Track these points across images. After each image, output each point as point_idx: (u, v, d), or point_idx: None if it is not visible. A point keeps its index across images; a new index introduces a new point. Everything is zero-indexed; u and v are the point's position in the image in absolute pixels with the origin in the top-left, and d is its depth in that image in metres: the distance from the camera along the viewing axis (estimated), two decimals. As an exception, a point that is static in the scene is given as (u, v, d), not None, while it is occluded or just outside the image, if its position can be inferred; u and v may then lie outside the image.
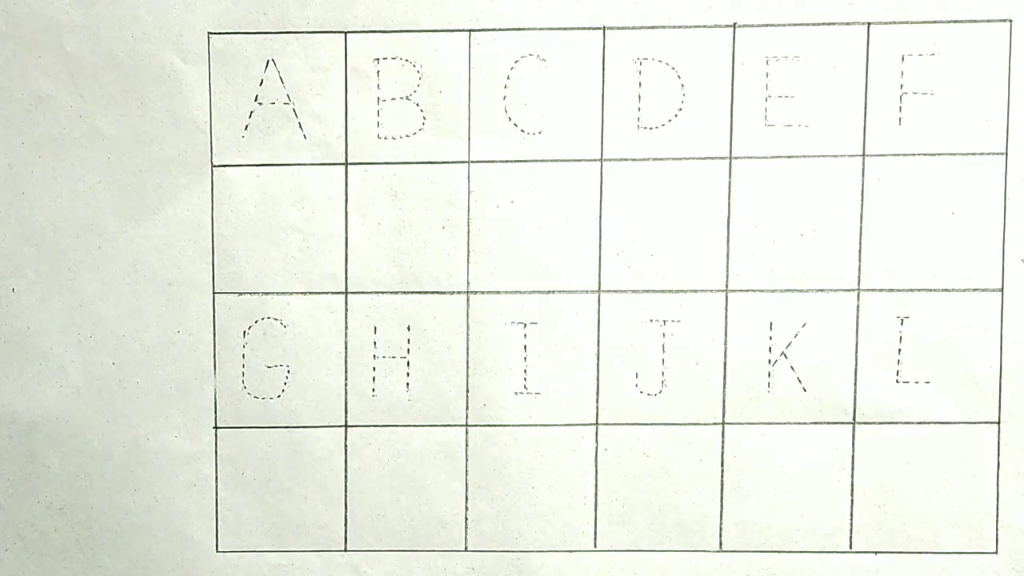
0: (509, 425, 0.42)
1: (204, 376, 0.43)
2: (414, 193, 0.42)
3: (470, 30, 0.41)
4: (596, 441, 0.42)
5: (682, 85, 0.41)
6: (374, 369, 0.42)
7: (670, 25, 0.41)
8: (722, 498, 0.42)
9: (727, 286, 0.42)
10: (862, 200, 0.41)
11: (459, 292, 0.42)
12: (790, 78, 0.41)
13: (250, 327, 0.42)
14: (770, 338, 0.42)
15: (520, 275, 0.42)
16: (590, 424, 0.42)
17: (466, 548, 0.42)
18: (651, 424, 0.42)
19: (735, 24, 0.41)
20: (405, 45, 0.41)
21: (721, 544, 0.42)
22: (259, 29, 0.42)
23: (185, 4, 0.42)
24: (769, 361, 0.42)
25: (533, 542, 0.42)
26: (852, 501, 0.42)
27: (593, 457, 0.42)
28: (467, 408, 0.42)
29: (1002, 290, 0.41)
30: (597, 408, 0.42)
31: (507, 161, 0.42)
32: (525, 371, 0.42)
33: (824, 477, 0.42)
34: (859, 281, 0.41)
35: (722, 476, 0.42)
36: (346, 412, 0.42)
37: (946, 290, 0.41)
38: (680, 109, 0.41)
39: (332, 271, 0.42)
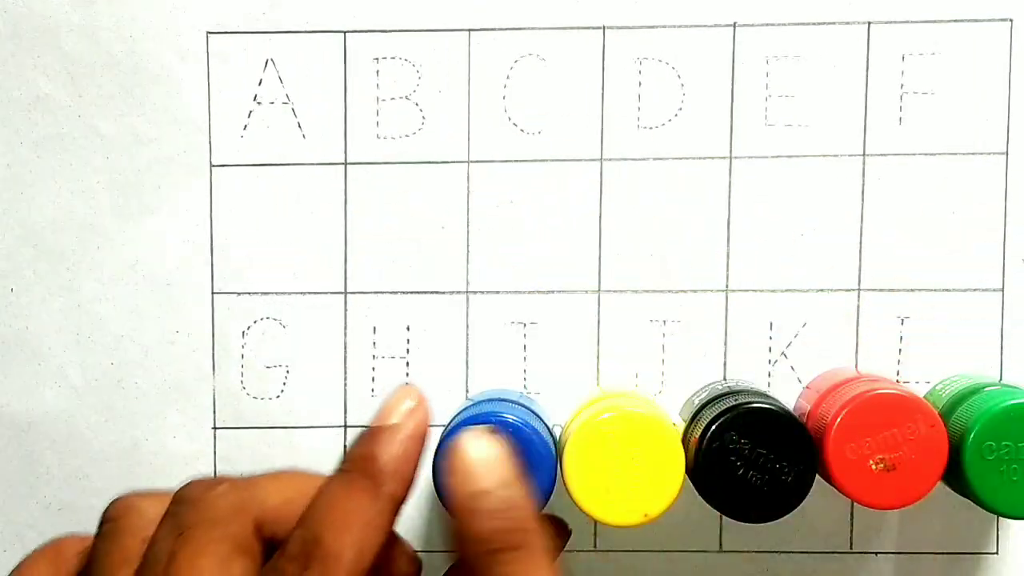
0: (509, 425, 0.42)
1: (203, 376, 0.42)
2: (414, 193, 0.42)
3: (469, 30, 0.41)
4: (596, 441, 0.42)
5: (682, 85, 0.41)
6: (373, 369, 0.42)
7: (670, 25, 0.41)
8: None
9: (727, 286, 0.42)
10: (862, 200, 0.41)
11: (459, 292, 0.42)
12: (790, 78, 0.41)
13: (249, 327, 0.42)
14: (770, 338, 0.42)
15: (520, 275, 0.42)
16: (590, 424, 0.42)
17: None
18: (651, 424, 0.42)
19: (735, 24, 0.41)
20: (405, 45, 0.41)
21: (721, 545, 0.42)
22: (258, 29, 0.41)
23: (184, 4, 0.41)
24: (769, 361, 0.42)
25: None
26: (852, 502, 0.42)
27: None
28: (467, 408, 0.42)
29: (1002, 290, 0.41)
30: (597, 408, 0.42)
31: (507, 161, 0.42)
32: (525, 371, 0.42)
33: (824, 477, 0.42)
34: (859, 281, 0.41)
35: (722, 476, 0.42)
36: (345, 413, 0.42)
37: (946, 290, 0.41)
38: (680, 109, 0.41)
39: (332, 271, 0.42)
